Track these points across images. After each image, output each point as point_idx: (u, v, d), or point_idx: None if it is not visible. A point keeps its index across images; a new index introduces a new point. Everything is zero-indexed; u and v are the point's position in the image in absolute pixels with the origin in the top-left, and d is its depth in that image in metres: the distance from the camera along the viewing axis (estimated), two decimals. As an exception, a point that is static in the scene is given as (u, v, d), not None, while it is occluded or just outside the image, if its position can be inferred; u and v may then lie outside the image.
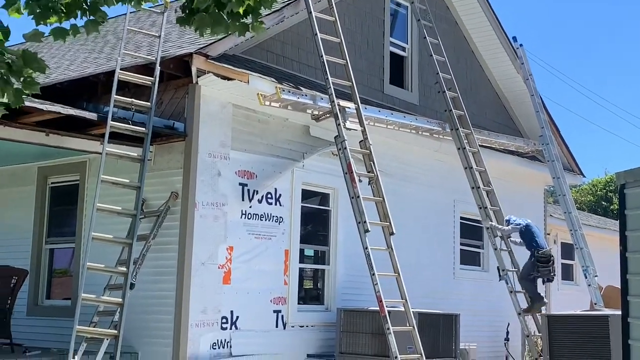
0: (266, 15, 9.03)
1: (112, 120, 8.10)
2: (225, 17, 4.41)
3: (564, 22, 66.59)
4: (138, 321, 8.63)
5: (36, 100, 7.85)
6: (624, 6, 63.00)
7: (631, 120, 67.73)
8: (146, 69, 8.87)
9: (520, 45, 13.90)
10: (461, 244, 12.97)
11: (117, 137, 8.39)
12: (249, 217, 9.41)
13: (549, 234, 16.01)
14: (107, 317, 8.26)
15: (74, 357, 7.53)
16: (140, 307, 8.66)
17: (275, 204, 9.79)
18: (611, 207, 37.25)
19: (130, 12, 10.04)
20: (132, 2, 4.55)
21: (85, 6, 4.57)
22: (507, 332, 12.13)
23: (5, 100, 4.15)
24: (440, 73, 11.78)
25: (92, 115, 8.47)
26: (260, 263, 9.48)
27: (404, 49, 12.68)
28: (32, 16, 4.42)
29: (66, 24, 4.57)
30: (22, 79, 4.20)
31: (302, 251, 10.28)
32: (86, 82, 9.76)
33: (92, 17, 4.49)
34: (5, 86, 4.03)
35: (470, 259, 13.30)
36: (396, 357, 8.40)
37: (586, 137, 59.21)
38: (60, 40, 4.45)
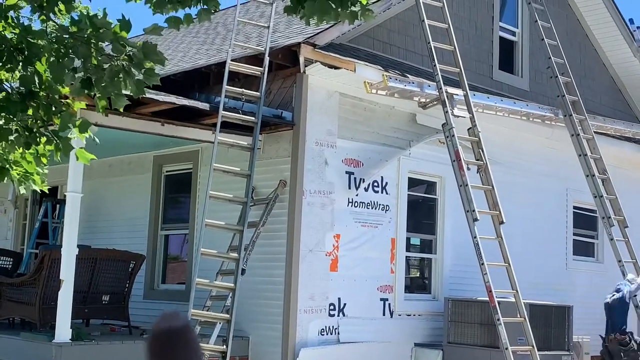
0: (373, 2, 9.01)
1: (223, 110, 8.31)
2: (333, 5, 4.43)
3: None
4: (249, 306, 8.84)
5: (152, 91, 8.14)
6: None
7: None
8: (255, 59, 9.04)
9: (638, 27, 13.29)
10: (574, 234, 12.56)
11: (227, 127, 8.60)
12: (356, 205, 9.45)
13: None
14: (219, 302, 8.51)
15: (188, 339, 7.79)
16: (251, 292, 8.86)
17: (382, 192, 9.78)
18: None
19: (240, 4, 10.24)
20: None
21: None
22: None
23: (127, 92, 4.33)
24: (552, 57, 11.41)
25: (204, 106, 8.71)
26: (366, 251, 9.51)
27: (514, 34, 12.37)
28: (149, 4, 4.59)
29: (180, 13, 4.73)
30: (142, 70, 4.37)
31: (408, 240, 10.24)
32: (198, 73, 10.05)
33: (205, 6, 4.62)
34: (127, 77, 4.20)
35: (583, 249, 12.86)
36: (507, 349, 8.25)
37: None
38: (174, 28, 4.61)
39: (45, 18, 4.42)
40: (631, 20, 13.46)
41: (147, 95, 7.37)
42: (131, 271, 9.24)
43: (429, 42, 9.34)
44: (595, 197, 10.96)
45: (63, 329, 7.56)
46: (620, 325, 10.16)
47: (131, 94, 4.31)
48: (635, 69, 13.66)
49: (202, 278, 7.99)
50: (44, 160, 4.96)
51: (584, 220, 12.73)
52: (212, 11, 4.71)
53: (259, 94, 8.62)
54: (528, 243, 11.26)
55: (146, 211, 10.96)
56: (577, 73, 12.23)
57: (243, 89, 8.76)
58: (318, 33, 8.84)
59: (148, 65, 4.31)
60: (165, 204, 10.96)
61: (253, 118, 8.51)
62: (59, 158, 4.64)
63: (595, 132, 11.50)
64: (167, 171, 10.99)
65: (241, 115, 8.55)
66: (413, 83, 9.44)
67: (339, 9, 4.41)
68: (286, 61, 9.15)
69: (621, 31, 13.39)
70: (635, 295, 10.55)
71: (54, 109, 4.48)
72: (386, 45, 10.31)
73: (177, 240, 11.06)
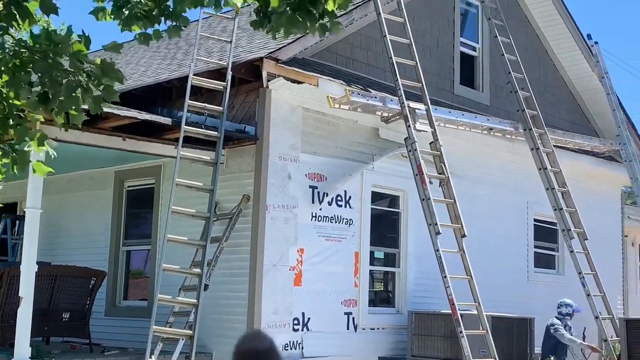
0: (339, 16, 9.06)
1: (185, 125, 8.28)
2: (301, 18, 4.45)
3: (633, 11, 64.49)
4: (212, 321, 8.78)
5: (113, 105, 8.07)
6: None
7: None
8: (218, 74, 9.03)
9: (595, 43, 13.56)
10: (535, 246, 12.72)
11: (190, 141, 8.56)
12: (319, 219, 9.46)
13: (626, 236, 15.54)
14: (182, 318, 8.43)
15: (150, 357, 7.71)
16: (214, 308, 8.80)
17: (345, 206, 9.81)
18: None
19: (203, 18, 10.23)
20: (213, 4, 4.64)
21: (167, 13, 4.70)
22: (584, 337, 11.83)
23: (85, 106, 4.30)
24: (512, 72, 11.59)
25: (166, 120, 8.67)
26: (330, 265, 9.52)
27: (474, 49, 12.54)
28: (117, 21, 4.58)
29: (149, 30, 4.73)
30: (101, 87, 4.35)
31: (372, 253, 10.28)
32: (160, 88, 10.00)
33: (175, 23, 4.62)
34: (85, 94, 4.17)
35: (544, 261, 13.03)
36: (469, 361, 8.30)
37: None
38: (144, 44, 4.61)
39: (3, 32, 4.37)
40: (589, 36, 13.74)
41: (108, 110, 7.31)
42: (92, 288, 9.12)
43: (391, 57, 9.43)
44: (555, 209, 11.11)
45: (22, 347, 7.42)
46: (545, 354, 10.46)
47: (89, 109, 4.29)
48: (593, 84, 13.93)
49: (165, 294, 7.91)
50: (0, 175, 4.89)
51: (544, 233, 12.90)
52: (182, 27, 4.72)
53: (221, 108, 8.61)
54: (490, 255, 11.38)
55: (107, 227, 10.85)
56: (536, 87, 12.43)
57: (205, 104, 8.74)
58: (281, 48, 8.87)
59: (106, 82, 4.29)
60: (127, 219, 10.86)
61: (216, 133, 8.49)
62: (15, 171, 4.58)
63: (554, 145, 11.69)
64: (128, 186, 10.89)
65: (204, 130, 8.52)
66: (376, 98, 9.51)
67: (308, 22, 4.43)
68: (249, 76, 9.16)
69: (579, 46, 13.66)
70: (565, 325, 10.75)
71: (10, 122, 4.43)
72: (349, 60, 10.38)
73: (139, 256, 10.95)
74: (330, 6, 4.47)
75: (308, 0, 4.32)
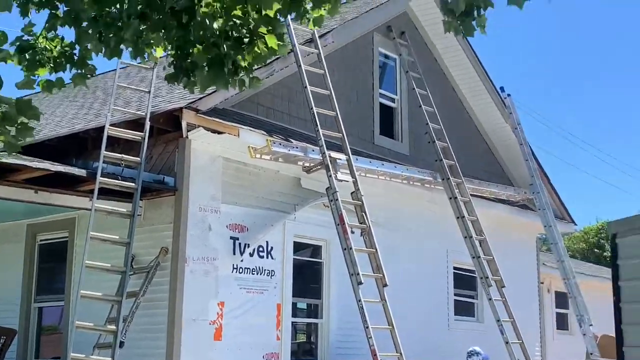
0: (256, 69, 9.06)
1: (101, 176, 8.06)
2: (216, 72, 4.41)
3: (549, 70, 67.52)
4: (128, 380, 8.44)
5: (25, 157, 7.81)
6: (607, 53, 63.99)
7: (620, 167, 68.20)
8: (136, 123, 8.87)
9: (508, 95, 14.03)
10: (455, 294, 12.86)
11: (106, 193, 8.34)
12: (240, 271, 9.31)
13: (542, 283, 15.91)
14: (96, 377, 8.08)
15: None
16: (131, 365, 8.48)
17: (267, 257, 9.70)
18: (604, 254, 37.16)
19: (120, 68, 10.09)
20: (136, 55, 4.55)
21: (73, 59, 4.60)
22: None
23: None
24: (429, 123, 11.83)
25: (81, 172, 8.43)
26: (252, 318, 9.34)
27: (393, 100, 12.77)
28: (21, 66, 4.45)
29: (53, 77, 4.60)
30: (16, 126, 4.19)
31: (294, 305, 10.15)
32: (76, 139, 9.74)
33: (80, 71, 4.51)
34: (-1, 134, 4.02)
35: (464, 309, 13.17)
36: (392, 413, 8.23)
37: (576, 184, 59.47)
38: (47, 92, 4.47)
39: None
40: (502, 89, 14.21)
41: (20, 162, 7.07)
42: (1, 347, 8.69)
43: (311, 108, 9.48)
44: (474, 257, 11.29)
45: None
46: None
47: (4, 151, 4.12)
48: (507, 134, 14.36)
49: (79, 352, 7.58)
50: None
51: (464, 281, 13.07)
52: (88, 76, 4.61)
53: (139, 159, 8.44)
54: (411, 304, 11.42)
55: (19, 282, 10.39)
56: (454, 138, 12.71)
57: (123, 155, 8.55)
58: (201, 98, 8.80)
59: (21, 121, 4.14)
60: (39, 274, 10.44)
61: (133, 184, 8.30)
62: None
63: (471, 194, 11.93)
64: (41, 240, 10.50)
65: (120, 182, 8.32)
66: (297, 148, 9.52)
67: (228, 78, 4.40)
68: (168, 126, 9.03)
69: (493, 98, 14.10)
70: None
71: None
72: (270, 110, 10.39)
73: (52, 312, 10.50)
74: (243, 62, 4.46)
75: (224, 56, 4.30)
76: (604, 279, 19.30)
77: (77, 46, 4.60)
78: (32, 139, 4.26)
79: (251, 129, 9.25)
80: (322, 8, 4.92)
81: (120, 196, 8.56)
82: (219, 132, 8.90)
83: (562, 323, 18.36)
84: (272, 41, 4.44)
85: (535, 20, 68.30)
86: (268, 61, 9.65)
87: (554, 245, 12.96)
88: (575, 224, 15.95)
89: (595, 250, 38.71)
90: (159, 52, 4.82)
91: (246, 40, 4.40)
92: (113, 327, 7.76)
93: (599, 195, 62.44)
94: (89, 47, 4.54)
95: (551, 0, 4.24)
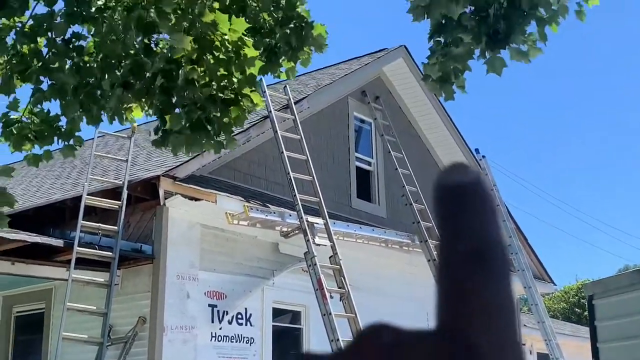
0: (237, 133, 9.17)
1: (78, 246, 8.03)
2: (198, 136, 4.48)
3: (526, 129, 68.63)
4: None
5: (1, 229, 7.76)
6: (584, 111, 65.28)
7: (598, 226, 68.78)
8: (114, 192, 8.89)
9: (483, 156, 14.25)
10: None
11: (84, 263, 8.29)
12: (219, 339, 9.21)
13: (524, 344, 15.83)
14: None
15: None
16: None
17: (246, 324, 9.62)
18: (585, 313, 37.14)
19: (98, 137, 10.14)
20: (113, 119, 4.62)
21: (60, 131, 4.64)
22: None
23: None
24: (406, 186, 11.95)
25: (58, 242, 8.38)
26: (232, 387, 9.20)
27: (369, 164, 12.90)
28: (8, 143, 4.48)
29: (39, 150, 4.64)
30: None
31: (275, 372, 10.02)
32: (53, 208, 9.71)
33: (68, 142, 4.56)
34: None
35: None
36: None
37: (554, 244, 59.86)
38: (33, 166, 4.51)
39: None
40: (477, 150, 14.44)
41: (-5, 233, 7.02)
42: None
43: (288, 173, 9.56)
44: (455, 319, 11.24)
45: None
46: None
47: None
48: (483, 195, 14.49)
49: None
50: None
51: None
52: (76, 147, 4.66)
53: (116, 228, 8.42)
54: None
55: (-7, 356, 10.18)
56: (430, 200, 12.78)
57: (100, 224, 8.53)
58: (178, 166, 8.86)
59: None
60: (15, 347, 10.24)
61: (110, 253, 8.26)
62: None
63: (450, 256, 11.94)
64: (17, 312, 10.34)
65: (97, 251, 8.28)
66: (274, 213, 9.55)
67: (205, 140, 4.47)
68: (146, 194, 9.05)
69: (468, 161, 14.30)
70: None
71: None
72: (247, 176, 10.45)
73: (27, 386, 10.27)
74: (227, 120, 4.54)
75: (205, 119, 4.38)
76: (585, 339, 19.27)
77: (62, 117, 4.66)
78: (5, 227, 4.25)
79: (228, 195, 9.29)
80: (295, 62, 5.06)
81: (97, 265, 8.51)
82: (197, 199, 8.93)
83: (545, 384, 18.21)
84: (257, 98, 4.55)
85: (512, 80, 69.77)
86: (245, 127, 9.82)
87: (534, 306, 12.97)
88: (555, 284, 16.01)
89: (576, 309, 38.69)
90: (137, 114, 4.89)
91: (231, 100, 4.49)
92: (90, 400, 7.60)
93: (578, 255, 62.80)
94: (75, 118, 4.60)
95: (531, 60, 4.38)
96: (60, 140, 4.69)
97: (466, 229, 0.48)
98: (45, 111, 4.67)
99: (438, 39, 4.35)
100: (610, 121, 62.32)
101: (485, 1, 4.07)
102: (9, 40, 4.41)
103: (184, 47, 4.17)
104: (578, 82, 65.05)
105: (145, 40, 4.46)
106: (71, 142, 4.76)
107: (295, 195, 9.38)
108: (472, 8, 4.16)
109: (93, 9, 4.41)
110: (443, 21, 4.24)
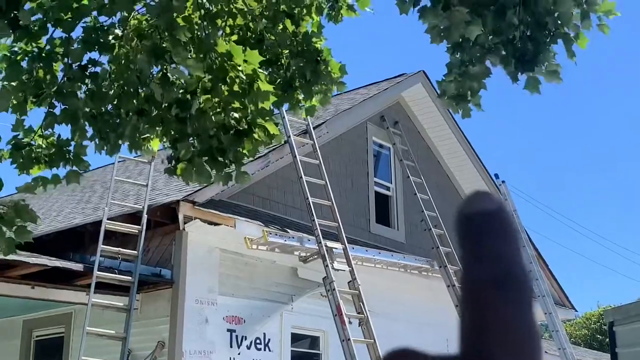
0: (251, 160, 9.22)
1: (98, 271, 8.07)
2: (208, 167, 4.50)
3: (546, 153, 68.29)
4: None
5: (22, 253, 7.82)
6: (609, 137, 64.90)
7: (620, 252, 68.12)
8: (133, 217, 8.94)
9: (503, 181, 14.19)
10: (457, 384, 12.61)
11: (103, 287, 8.32)
12: (238, 364, 9.18)
13: (546, 370, 15.64)
14: None
15: None
16: None
17: (265, 349, 9.59)
18: (607, 340, 36.61)
19: (118, 162, 10.22)
20: (132, 149, 4.65)
21: (67, 156, 4.67)
22: None
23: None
24: (425, 211, 11.91)
25: (78, 267, 8.43)
26: (250, 413, 9.15)
27: (388, 189, 12.89)
28: (14, 165, 4.51)
29: (48, 173, 4.66)
30: (13, 228, 4.23)
31: (293, 398, 9.96)
32: (73, 233, 9.78)
33: (74, 167, 4.59)
34: (-2, 238, 4.06)
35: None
36: None
37: (575, 269, 59.25)
38: (42, 189, 4.53)
39: None
40: (496, 175, 14.39)
41: (17, 258, 7.08)
42: None
43: (307, 198, 9.57)
44: (475, 346, 11.14)
45: None
46: None
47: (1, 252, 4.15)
48: (502, 220, 14.40)
49: None
50: None
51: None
52: (81, 173, 4.68)
53: (136, 252, 8.46)
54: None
55: (13, 380, 10.21)
56: (449, 224, 12.77)
57: (120, 248, 8.58)
58: (197, 190, 8.90)
59: (19, 223, 4.19)
60: (34, 371, 10.27)
61: (130, 278, 8.29)
62: None
63: (470, 281, 11.86)
64: (37, 336, 10.38)
65: (117, 275, 8.32)
66: (293, 238, 9.55)
67: (213, 171, 4.49)
68: (165, 218, 9.09)
69: (488, 186, 14.23)
70: None
71: None
72: (266, 200, 10.47)
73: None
74: (243, 151, 4.56)
75: (216, 150, 4.40)
76: (608, 365, 19.00)
77: (72, 142, 4.69)
78: (30, 241, 4.29)
79: (247, 219, 9.31)
80: (314, 99, 5.08)
81: (117, 290, 8.54)
82: (216, 224, 8.95)
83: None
84: (272, 128, 4.57)
85: (534, 104, 69.61)
86: (264, 152, 9.87)
87: (555, 332, 12.83)
88: (576, 310, 15.83)
89: (598, 336, 38.16)
90: (154, 145, 4.93)
91: (244, 131, 4.52)
92: None
93: (600, 281, 62.08)
94: (84, 143, 4.64)
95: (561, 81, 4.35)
96: (66, 165, 4.72)
97: (489, 257, 0.48)
98: (57, 135, 4.70)
99: (456, 56, 4.36)
100: (633, 143, 61.93)
101: (507, 25, 4.07)
102: (24, 64, 4.46)
103: (197, 75, 4.20)
104: (609, 102, 64.84)
105: (164, 70, 4.51)
106: (75, 167, 4.77)
107: (314, 220, 9.38)
108: (492, 28, 4.16)
109: (110, 37, 4.47)
110: (460, 40, 4.25)
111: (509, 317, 0.47)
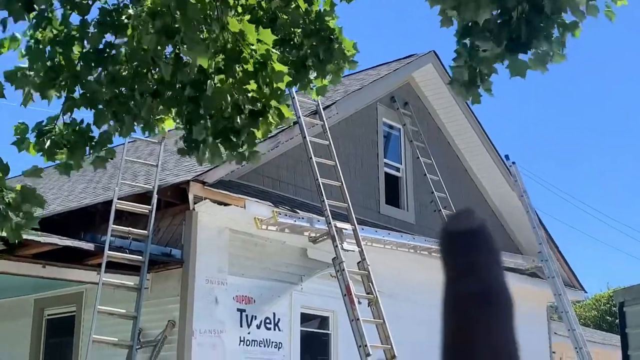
0: (262, 141, 9.21)
1: (109, 250, 8.11)
2: (221, 147, 4.50)
3: (557, 134, 67.93)
4: None
5: (33, 232, 7.87)
6: (618, 118, 64.48)
7: (629, 233, 67.88)
8: (144, 197, 8.96)
9: (513, 163, 14.13)
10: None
11: (114, 266, 8.37)
12: (248, 343, 9.23)
13: (554, 352, 15.67)
14: None
15: None
16: None
17: (274, 329, 9.63)
18: (616, 321, 36.56)
19: (129, 142, 10.24)
20: (146, 130, 4.66)
21: (91, 142, 4.67)
22: None
23: (3, 234, 4.17)
24: (434, 192, 11.89)
25: (89, 246, 8.48)
26: (260, 391, 9.21)
27: (398, 170, 12.87)
28: (41, 153, 4.51)
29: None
30: (20, 214, 4.24)
31: (303, 377, 10.02)
32: (84, 212, 9.83)
33: (99, 154, 4.59)
34: (3, 222, 4.06)
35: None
36: None
37: (585, 250, 59.11)
38: (65, 174, 4.54)
39: None
40: (507, 157, 14.32)
41: (28, 237, 7.11)
42: None
43: (317, 179, 9.57)
44: (484, 326, 11.15)
45: None
46: None
47: (7, 237, 4.16)
48: (513, 202, 14.38)
49: None
50: None
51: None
52: (107, 158, 4.68)
53: (146, 232, 8.49)
54: (422, 376, 11.23)
55: (26, 358, 10.30)
56: (459, 205, 12.74)
57: (130, 228, 8.61)
58: (208, 171, 8.91)
59: (26, 209, 4.19)
60: (46, 350, 10.36)
61: (140, 257, 8.33)
62: None
63: (479, 262, 11.86)
64: (48, 315, 10.47)
65: (128, 255, 8.36)
66: (303, 218, 9.56)
67: (227, 151, 4.48)
68: (175, 198, 9.11)
69: (498, 167, 14.19)
70: None
71: None
72: (276, 181, 10.48)
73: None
74: (257, 134, 4.55)
75: (230, 129, 4.39)
76: (617, 347, 18.99)
77: (93, 127, 4.69)
78: (36, 227, 4.30)
79: (257, 200, 9.32)
80: (325, 78, 5.06)
81: (127, 269, 8.59)
82: (226, 204, 8.97)
83: (576, 393, 17.96)
84: (285, 111, 4.56)
85: (543, 84, 69.17)
86: (274, 133, 9.85)
87: (565, 313, 12.82)
88: (586, 292, 15.83)
89: (607, 317, 38.14)
90: (168, 125, 4.92)
91: (258, 112, 4.51)
92: (119, 402, 7.67)
93: (610, 262, 61.95)
94: (106, 128, 4.63)
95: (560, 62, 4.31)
96: (91, 151, 4.72)
97: (472, 273, 0.50)
98: (78, 121, 4.70)
99: (464, 41, 4.32)
100: (642, 127, 61.57)
101: (511, 5, 4.03)
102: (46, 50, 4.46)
103: (201, 59, 4.16)
104: (617, 83, 64.37)
105: (176, 50, 4.49)
106: (102, 153, 4.78)
107: (323, 200, 9.38)
108: (498, 11, 4.12)
109: (123, 17, 4.45)
110: (469, 24, 4.21)
111: (491, 330, 0.48)
